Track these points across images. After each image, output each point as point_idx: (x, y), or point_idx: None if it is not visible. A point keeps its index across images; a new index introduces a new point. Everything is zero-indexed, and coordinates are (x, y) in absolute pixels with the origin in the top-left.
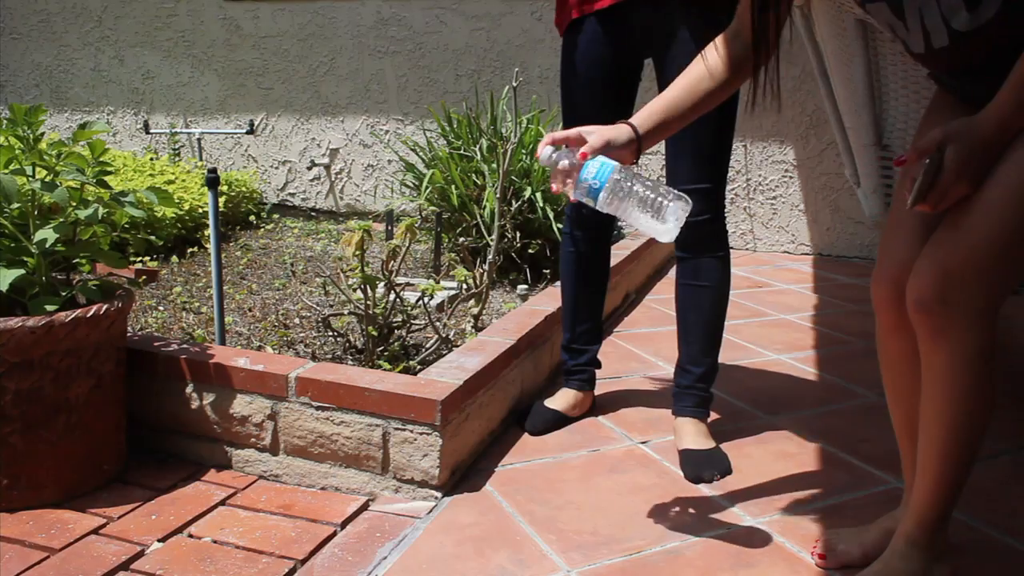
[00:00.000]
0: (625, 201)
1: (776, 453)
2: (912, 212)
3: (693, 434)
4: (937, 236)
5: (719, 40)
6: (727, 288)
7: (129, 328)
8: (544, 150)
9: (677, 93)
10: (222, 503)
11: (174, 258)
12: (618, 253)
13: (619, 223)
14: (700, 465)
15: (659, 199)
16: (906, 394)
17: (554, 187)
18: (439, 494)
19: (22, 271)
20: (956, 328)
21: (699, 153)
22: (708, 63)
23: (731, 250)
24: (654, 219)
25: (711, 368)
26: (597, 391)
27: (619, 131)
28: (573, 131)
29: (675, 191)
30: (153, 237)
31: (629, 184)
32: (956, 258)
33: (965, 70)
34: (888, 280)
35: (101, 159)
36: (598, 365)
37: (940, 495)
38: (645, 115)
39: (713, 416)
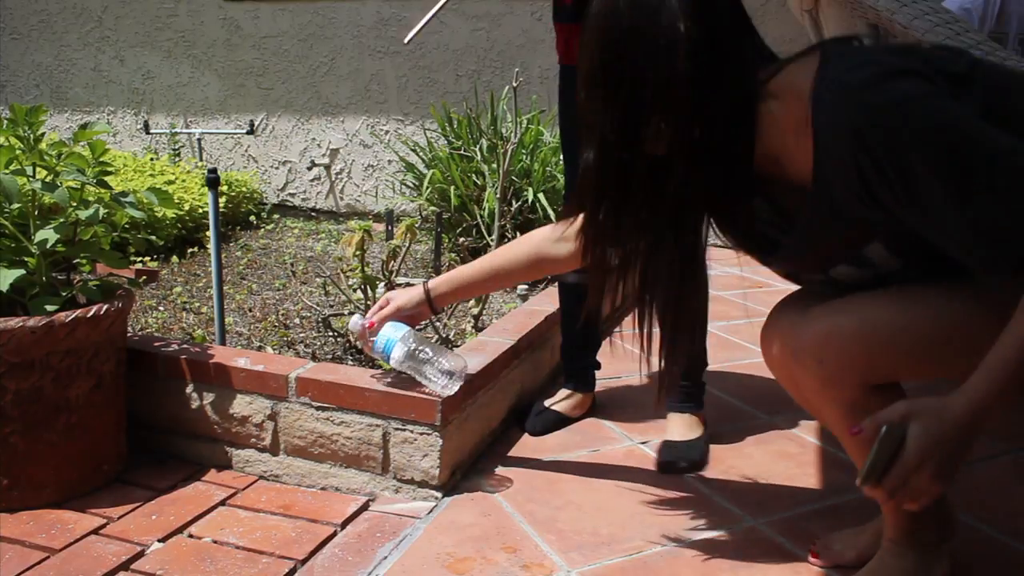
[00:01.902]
0: (410, 363)
1: (776, 453)
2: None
3: (679, 426)
4: (845, 298)
5: (542, 235)
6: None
7: (129, 328)
8: (353, 319)
9: (477, 273)
10: (222, 503)
11: (174, 258)
12: None
13: None
14: (671, 453)
15: (436, 365)
16: None
17: (363, 349)
18: (439, 494)
19: (22, 271)
20: (826, 387)
21: None
22: (516, 252)
23: (731, 249)
24: (432, 380)
25: (695, 363)
26: (597, 391)
27: (411, 296)
28: (382, 299)
29: (455, 354)
30: (153, 237)
31: (411, 348)
32: (849, 322)
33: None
34: (781, 334)
35: (101, 159)
36: (598, 366)
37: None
38: (443, 280)
39: (713, 416)
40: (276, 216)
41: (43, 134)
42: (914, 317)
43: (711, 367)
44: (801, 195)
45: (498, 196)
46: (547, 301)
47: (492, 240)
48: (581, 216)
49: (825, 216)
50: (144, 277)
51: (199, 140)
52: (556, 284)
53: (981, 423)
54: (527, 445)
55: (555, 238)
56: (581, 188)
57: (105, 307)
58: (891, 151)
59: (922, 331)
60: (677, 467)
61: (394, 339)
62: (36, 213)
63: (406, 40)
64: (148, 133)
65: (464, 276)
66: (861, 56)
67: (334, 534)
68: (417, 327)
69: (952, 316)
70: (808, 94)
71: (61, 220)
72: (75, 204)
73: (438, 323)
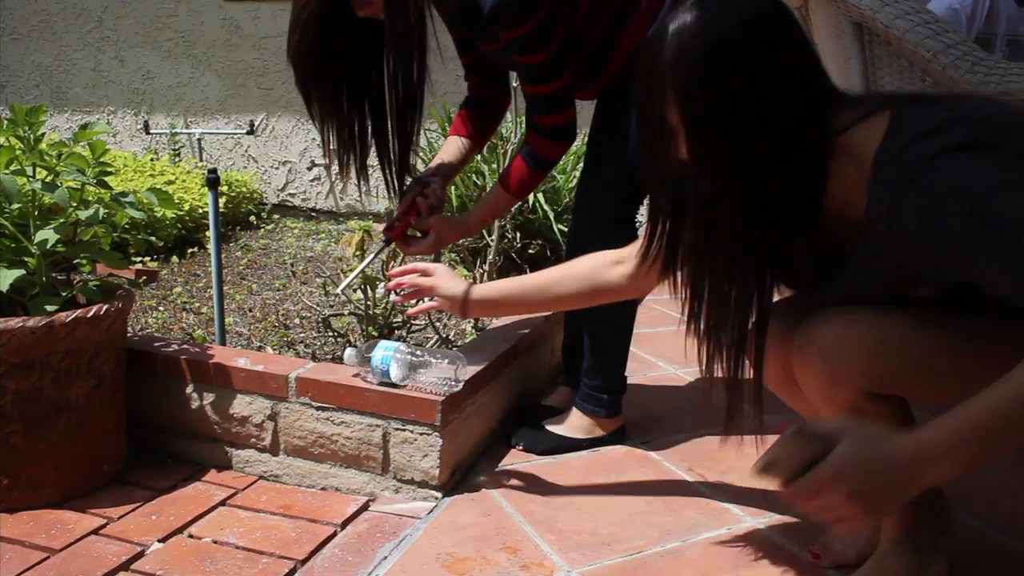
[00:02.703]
0: (410, 374)
1: None
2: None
3: (564, 418)
4: (862, 308)
5: (596, 259)
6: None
7: (129, 328)
8: (347, 352)
9: (524, 289)
10: (222, 503)
11: (174, 258)
12: None
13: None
14: (522, 435)
15: (435, 366)
16: None
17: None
18: (439, 494)
19: (22, 271)
20: (826, 385)
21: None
22: (570, 272)
23: None
24: (435, 382)
25: (591, 368)
26: None
27: (452, 287)
28: (426, 266)
29: (452, 354)
30: (153, 238)
31: (406, 360)
32: (863, 331)
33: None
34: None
35: (101, 160)
36: None
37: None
38: (487, 288)
39: (713, 416)
40: (276, 216)
41: (43, 134)
42: (926, 337)
43: None
44: (852, 234)
45: None
46: None
47: (492, 240)
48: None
49: (874, 268)
50: (144, 277)
51: (199, 140)
52: None
53: (922, 472)
54: None
55: (611, 261)
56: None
57: (105, 307)
58: (936, 229)
59: (930, 352)
60: (510, 440)
61: (388, 357)
62: (36, 213)
63: (338, 289)
64: (148, 133)
65: (507, 289)
66: (925, 126)
67: (334, 534)
68: (415, 329)
69: (961, 350)
70: (871, 160)
71: (61, 220)
72: (75, 204)
73: (438, 323)
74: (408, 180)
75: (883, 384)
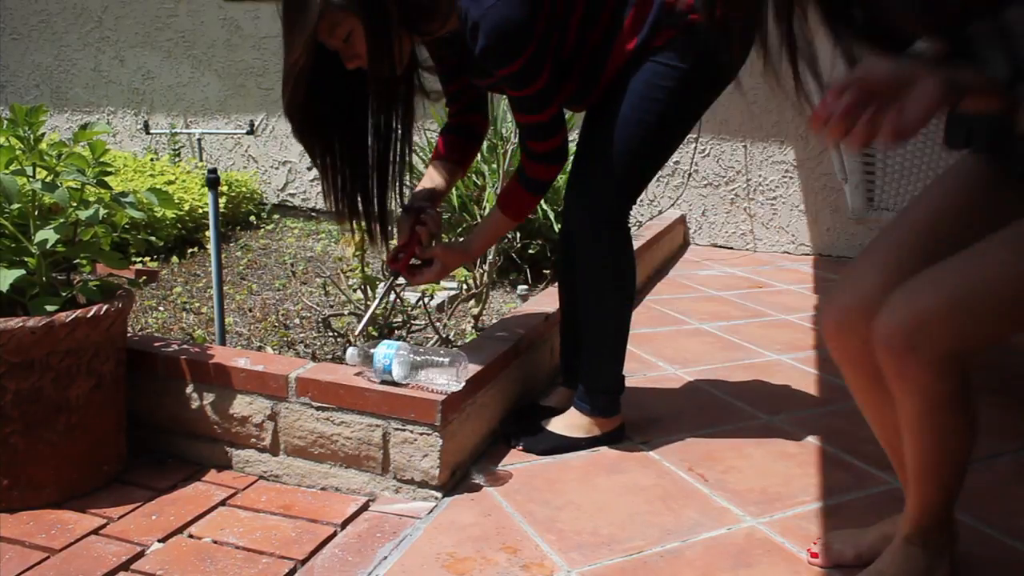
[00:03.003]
0: (412, 372)
1: (776, 453)
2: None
3: (562, 417)
4: (919, 277)
5: None
6: (608, 304)
7: (129, 328)
8: (349, 351)
9: None
10: (222, 503)
11: (174, 258)
12: None
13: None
14: (520, 433)
15: (436, 364)
16: (877, 409)
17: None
18: (439, 494)
19: (22, 271)
20: (923, 376)
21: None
22: None
23: (731, 250)
24: (437, 380)
25: (588, 368)
26: None
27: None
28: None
29: (454, 353)
30: (153, 238)
31: (408, 359)
32: (933, 303)
33: None
34: (841, 309)
35: (101, 160)
36: None
37: (931, 506)
38: None
39: (713, 416)
40: (276, 216)
41: (43, 134)
42: (997, 273)
43: (711, 366)
44: None
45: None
46: (547, 301)
47: None
48: None
49: None
50: (144, 277)
51: (199, 140)
52: (556, 284)
53: None
54: None
55: None
56: None
57: (105, 307)
58: None
59: (1002, 288)
60: (509, 441)
61: (390, 355)
62: (36, 213)
63: (356, 332)
64: (148, 133)
65: None
66: None
67: (334, 534)
68: (415, 329)
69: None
70: None
71: (61, 220)
72: (75, 204)
73: (438, 323)
74: (397, 210)
75: (976, 340)
